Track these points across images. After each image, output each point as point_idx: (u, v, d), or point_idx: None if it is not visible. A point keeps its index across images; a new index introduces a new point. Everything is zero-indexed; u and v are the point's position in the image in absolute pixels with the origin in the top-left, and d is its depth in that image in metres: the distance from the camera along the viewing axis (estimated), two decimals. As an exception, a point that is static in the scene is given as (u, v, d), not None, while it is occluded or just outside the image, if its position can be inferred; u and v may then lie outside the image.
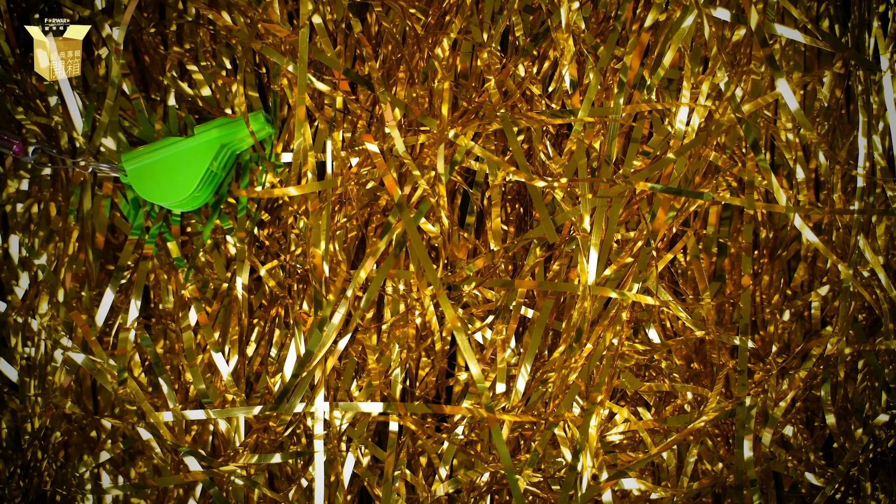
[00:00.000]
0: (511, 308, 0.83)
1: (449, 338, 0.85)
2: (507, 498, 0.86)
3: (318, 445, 0.81)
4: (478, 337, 0.85)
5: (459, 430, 0.83)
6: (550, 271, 0.84)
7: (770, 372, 0.82)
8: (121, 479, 0.90)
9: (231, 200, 0.87)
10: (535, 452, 0.81)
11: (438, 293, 0.80)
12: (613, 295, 0.78)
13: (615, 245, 0.82)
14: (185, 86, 0.87)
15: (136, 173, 0.83)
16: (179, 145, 0.83)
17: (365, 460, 0.85)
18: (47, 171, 0.89)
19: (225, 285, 0.88)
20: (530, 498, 0.84)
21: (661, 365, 0.84)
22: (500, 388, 0.82)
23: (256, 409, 0.82)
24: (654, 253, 0.80)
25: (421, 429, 0.83)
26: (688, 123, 0.80)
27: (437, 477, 0.84)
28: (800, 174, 0.84)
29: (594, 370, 0.80)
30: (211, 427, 0.88)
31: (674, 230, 0.82)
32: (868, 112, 0.82)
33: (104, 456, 0.88)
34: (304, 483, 0.86)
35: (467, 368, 0.85)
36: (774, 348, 0.85)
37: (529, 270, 0.84)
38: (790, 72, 0.86)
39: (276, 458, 0.83)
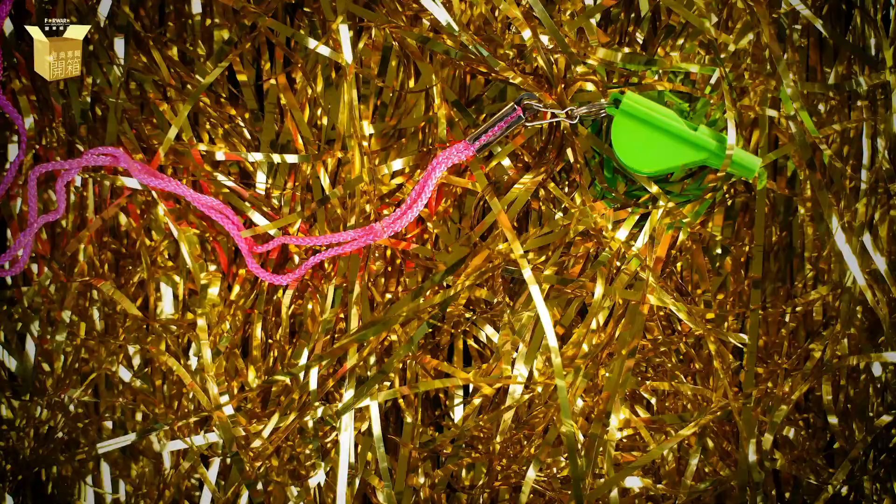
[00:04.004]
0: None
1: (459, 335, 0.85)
2: (507, 497, 0.86)
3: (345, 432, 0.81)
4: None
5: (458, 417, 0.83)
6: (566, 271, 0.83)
7: (772, 372, 0.83)
8: (121, 481, 0.90)
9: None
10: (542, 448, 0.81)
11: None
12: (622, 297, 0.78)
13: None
14: None
15: (624, 117, 0.77)
16: (680, 128, 0.76)
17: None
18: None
19: None
20: (546, 493, 0.84)
21: (666, 365, 0.84)
22: (523, 370, 0.81)
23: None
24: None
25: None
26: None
27: (433, 475, 0.84)
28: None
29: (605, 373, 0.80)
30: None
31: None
32: (872, 112, 0.83)
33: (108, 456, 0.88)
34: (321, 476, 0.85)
35: (466, 366, 0.86)
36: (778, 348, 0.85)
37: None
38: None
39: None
